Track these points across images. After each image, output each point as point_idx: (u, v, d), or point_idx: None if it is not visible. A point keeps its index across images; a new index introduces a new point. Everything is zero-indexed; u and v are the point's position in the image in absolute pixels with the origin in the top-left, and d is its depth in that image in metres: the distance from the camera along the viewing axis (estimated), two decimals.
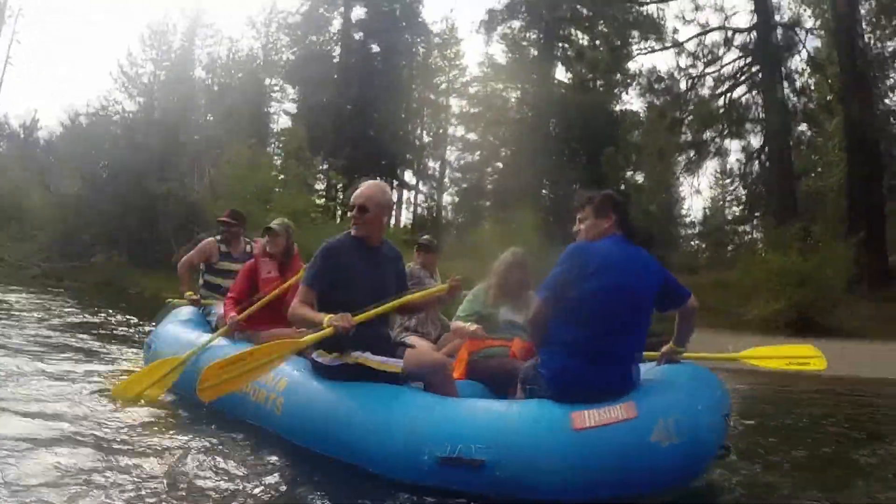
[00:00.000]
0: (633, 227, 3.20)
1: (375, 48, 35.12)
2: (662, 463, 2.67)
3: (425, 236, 5.28)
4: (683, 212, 35.95)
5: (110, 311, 11.62)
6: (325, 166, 30.06)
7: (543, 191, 26.30)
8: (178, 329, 5.06)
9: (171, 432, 3.62)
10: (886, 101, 20.17)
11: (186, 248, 6.06)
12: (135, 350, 6.48)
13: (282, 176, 23.82)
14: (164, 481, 2.76)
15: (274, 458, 3.19)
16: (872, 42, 20.26)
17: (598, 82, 25.11)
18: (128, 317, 10.64)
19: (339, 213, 26.79)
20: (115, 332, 8.74)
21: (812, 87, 23.37)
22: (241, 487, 2.78)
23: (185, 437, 3.48)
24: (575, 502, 2.70)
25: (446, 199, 36.67)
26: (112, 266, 25.94)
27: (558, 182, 24.99)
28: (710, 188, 37.27)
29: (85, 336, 7.50)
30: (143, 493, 2.61)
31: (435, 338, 4.69)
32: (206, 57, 38.14)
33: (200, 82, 37.94)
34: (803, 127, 24.14)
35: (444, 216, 34.78)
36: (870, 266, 17.62)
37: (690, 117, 21.42)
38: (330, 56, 35.45)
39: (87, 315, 10.72)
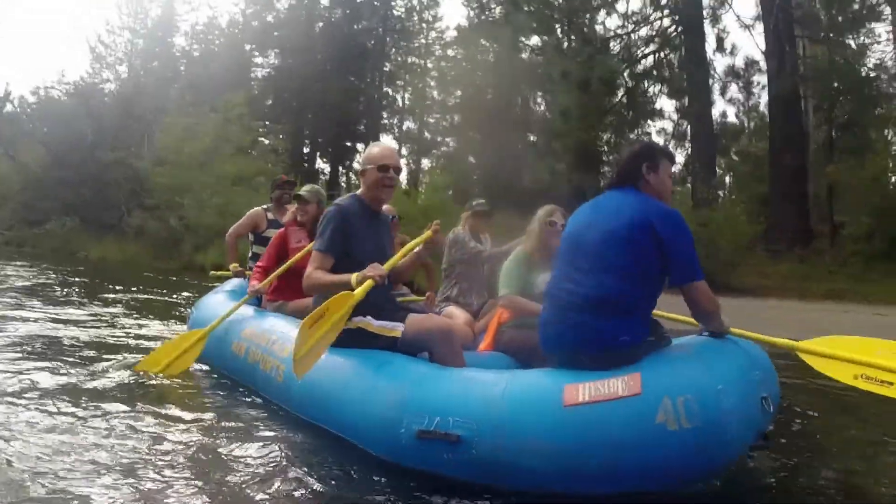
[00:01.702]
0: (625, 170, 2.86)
1: (339, 13, 34.56)
2: (670, 451, 2.21)
3: (480, 200, 4.91)
4: None
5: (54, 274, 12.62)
6: (262, 131, 29.12)
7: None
8: (220, 300, 4.93)
9: (188, 402, 3.59)
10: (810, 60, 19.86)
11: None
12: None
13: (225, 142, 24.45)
14: (171, 457, 2.68)
15: (271, 433, 3.06)
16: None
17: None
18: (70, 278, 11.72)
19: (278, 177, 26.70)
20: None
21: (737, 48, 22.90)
22: (227, 461, 2.67)
23: (199, 408, 3.45)
24: (566, 493, 2.32)
25: (425, 162, 36.58)
26: (65, 232, 27.52)
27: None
28: None
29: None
30: (158, 465, 2.57)
31: (476, 309, 4.45)
32: (187, 24, 38.90)
33: (181, 49, 38.91)
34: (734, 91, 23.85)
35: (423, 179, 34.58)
36: (790, 226, 17.31)
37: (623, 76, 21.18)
38: (298, 21, 34.70)
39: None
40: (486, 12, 26.58)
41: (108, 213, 27.24)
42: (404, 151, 34.50)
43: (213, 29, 39.06)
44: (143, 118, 30.15)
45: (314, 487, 2.46)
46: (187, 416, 3.30)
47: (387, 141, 34.78)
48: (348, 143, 35.66)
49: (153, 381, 3.96)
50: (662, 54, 21.79)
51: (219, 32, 38.08)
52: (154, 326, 6.50)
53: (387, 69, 35.43)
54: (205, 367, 4.44)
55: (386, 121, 36.07)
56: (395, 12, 36.31)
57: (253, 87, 33.00)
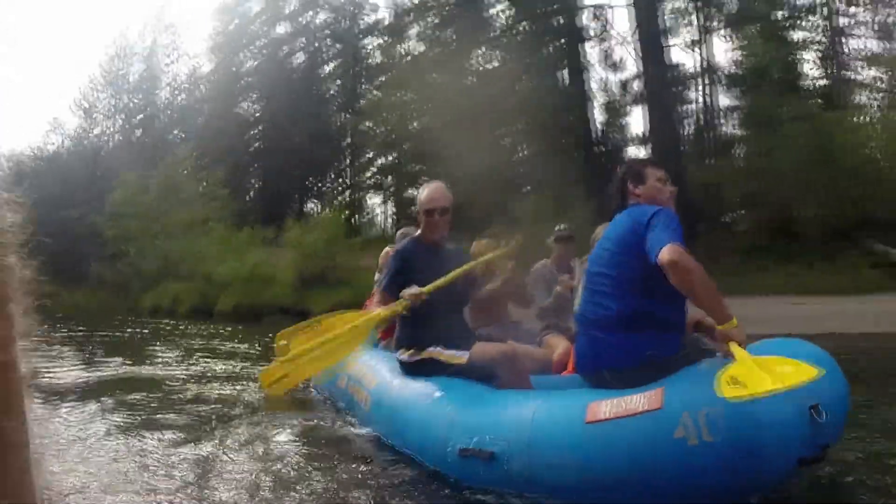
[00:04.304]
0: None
1: (298, 60, 35.40)
2: (690, 466, 2.16)
3: (562, 226, 4.76)
4: None
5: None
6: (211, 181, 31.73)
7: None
8: None
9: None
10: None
11: None
12: None
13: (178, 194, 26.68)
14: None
15: (352, 447, 3.47)
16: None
17: None
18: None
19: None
20: None
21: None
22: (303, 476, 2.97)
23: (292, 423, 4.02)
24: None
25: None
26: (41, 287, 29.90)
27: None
28: None
29: None
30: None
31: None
32: (168, 77, 40.37)
33: (165, 101, 40.36)
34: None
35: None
36: None
37: None
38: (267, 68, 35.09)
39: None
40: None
41: (78, 266, 29.54)
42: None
43: (195, 80, 41.44)
44: (104, 176, 31.81)
45: (370, 493, 2.78)
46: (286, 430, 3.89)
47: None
48: (319, 184, 36.67)
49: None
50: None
51: (203, 81, 39.57)
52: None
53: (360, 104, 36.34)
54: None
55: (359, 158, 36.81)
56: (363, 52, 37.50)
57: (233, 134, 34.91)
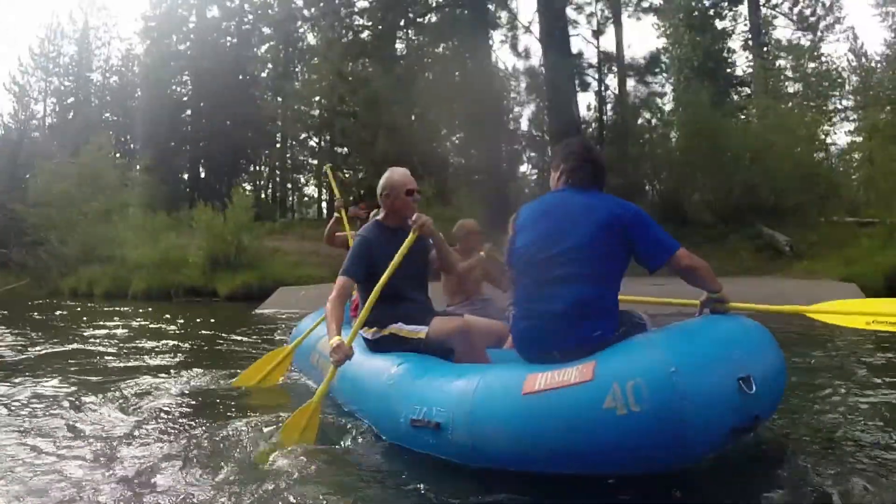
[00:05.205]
0: (588, 172, 2.87)
1: (228, 43, 35.39)
2: (619, 435, 2.23)
3: None
4: None
5: None
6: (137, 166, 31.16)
7: None
8: (312, 319, 5.19)
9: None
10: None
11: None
12: None
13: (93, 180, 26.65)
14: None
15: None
16: None
17: None
18: None
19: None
20: None
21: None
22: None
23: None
24: (535, 474, 2.46)
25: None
26: None
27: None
28: None
29: None
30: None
31: None
32: (100, 60, 40.19)
33: (98, 84, 40.14)
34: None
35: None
36: None
37: None
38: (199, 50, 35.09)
39: None
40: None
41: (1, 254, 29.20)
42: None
43: (129, 61, 40.98)
44: (27, 164, 31.96)
45: (332, 458, 2.95)
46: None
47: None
48: (249, 167, 36.84)
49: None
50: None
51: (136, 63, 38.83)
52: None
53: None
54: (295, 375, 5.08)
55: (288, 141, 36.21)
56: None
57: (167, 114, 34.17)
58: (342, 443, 3.18)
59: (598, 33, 21.42)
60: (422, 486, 2.55)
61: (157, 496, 2.51)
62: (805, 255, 14.66)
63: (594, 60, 22.55)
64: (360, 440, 3.21)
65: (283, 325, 9.69)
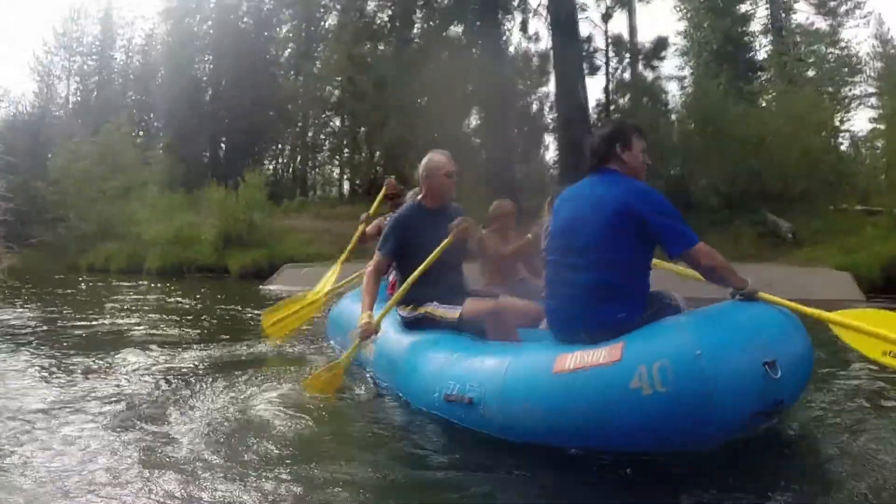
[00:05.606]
0: (594, 156, 2.95)
1: (249, 23, 35.49)
2: (645, 415, 2.30)
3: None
4: None
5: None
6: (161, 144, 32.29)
7: None
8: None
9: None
10: None
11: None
12: None
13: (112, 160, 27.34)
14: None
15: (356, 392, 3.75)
16: None
17: None
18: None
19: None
20: None
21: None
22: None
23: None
24: (563, 447, 2.55)
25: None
26: None
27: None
28: None
29: None
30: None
31: None
32: (123, 40, 40.82)
33: (121, 64, 40.76)
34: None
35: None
36: None
37: None
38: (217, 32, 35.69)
39: None
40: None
41: (24, 229, 30.11)
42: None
43: (152, 41, 41.49)
44: (48, 143, 32.91)
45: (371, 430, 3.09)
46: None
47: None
48: (270, 147, 36.90)
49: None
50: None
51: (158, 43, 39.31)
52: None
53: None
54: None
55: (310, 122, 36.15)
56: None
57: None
58: (380, 417, 3.34)
59: (606, 17, 21.31)
60: (459, 456, 2.70)
61: (176, 464, 2.57)
62: (807, 243, 14.57)
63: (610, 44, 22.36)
64: (395, 412, 3.39)
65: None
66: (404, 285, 3.64)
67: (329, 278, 5.25)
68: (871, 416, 3.16)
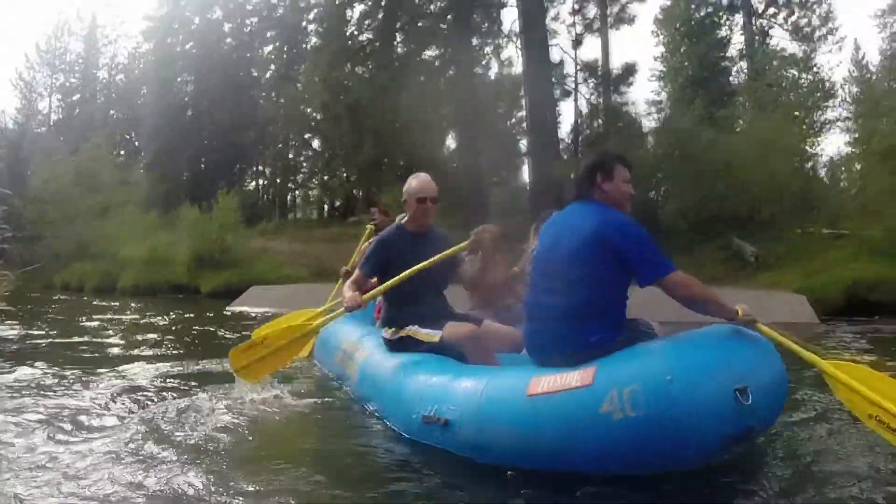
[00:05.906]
0: (580, 185, 3.03)
1: (228, 43, 35.54)
2: (615, 439, 2.34)
3: (548, 211, 4.20)
4: None
5: None
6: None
7: None
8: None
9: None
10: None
11: None
12: None
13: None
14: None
15: (332, 411, 3.86)
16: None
17: None
18: None
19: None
20: None
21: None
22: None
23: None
24: (534, 470, 2.57)
25: None
26: None
27: None
28: None
29: None
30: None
31: None
32: (106, 58, 40.86)
33: (103, 82, 40.75)
34: None
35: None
36: None
37: None
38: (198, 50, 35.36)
39: None
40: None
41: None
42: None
43: (135, 59, 41.42)
44: (29, 159, 32.78)
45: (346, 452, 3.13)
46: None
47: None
48: (248, 167, 36.77)
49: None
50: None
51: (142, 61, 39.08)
52: None
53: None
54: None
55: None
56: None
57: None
58: (358, 438, 3.38)
59: (576, 43, 21.68)
60: (433, 479, 2.74)
61: (152, 476, 2.64)
62: (772, 267, 14.74)
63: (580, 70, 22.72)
64: (374, 433, 3.42)
65: (252, 322, 10.24)
66: (401, 276, 3.71)
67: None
68: (841, 445, 3.16)
